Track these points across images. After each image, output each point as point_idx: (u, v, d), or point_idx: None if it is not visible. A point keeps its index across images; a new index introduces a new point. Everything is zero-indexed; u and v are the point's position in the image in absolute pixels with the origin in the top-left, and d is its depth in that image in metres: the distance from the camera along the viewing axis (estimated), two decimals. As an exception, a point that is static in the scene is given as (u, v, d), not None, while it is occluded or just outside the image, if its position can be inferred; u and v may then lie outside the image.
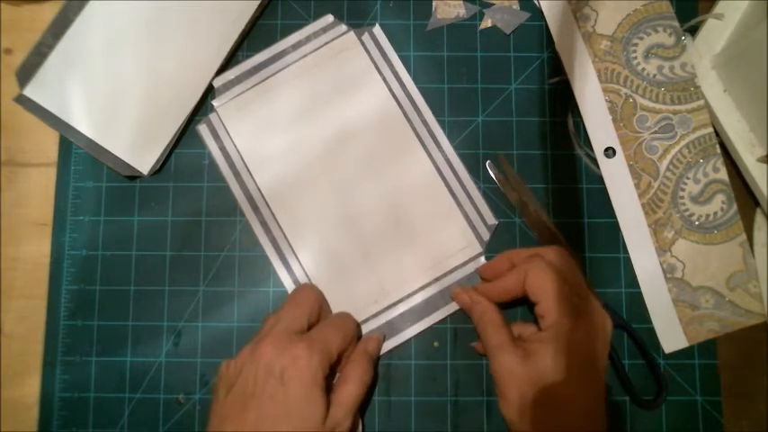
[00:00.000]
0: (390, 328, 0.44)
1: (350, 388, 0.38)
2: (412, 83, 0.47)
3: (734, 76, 0.45)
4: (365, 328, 0.44)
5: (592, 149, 0.46)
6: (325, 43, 0.47)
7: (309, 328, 0.40)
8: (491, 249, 0.45)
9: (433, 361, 0.44)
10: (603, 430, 0.35)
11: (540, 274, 0.37)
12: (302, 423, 0.35)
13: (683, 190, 0.45)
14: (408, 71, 0.47)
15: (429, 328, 0.45)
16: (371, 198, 0.45)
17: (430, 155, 0.46)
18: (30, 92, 0.44)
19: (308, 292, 0.42)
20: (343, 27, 0.47)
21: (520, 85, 0.47)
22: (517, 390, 0.35)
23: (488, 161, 0.46)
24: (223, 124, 0.46)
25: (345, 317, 0.43)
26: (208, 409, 0.44)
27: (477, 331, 0.40)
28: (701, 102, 0.45)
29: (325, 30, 0.47)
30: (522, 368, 0.36)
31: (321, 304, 0.42)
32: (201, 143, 0.47)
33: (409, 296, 0.45)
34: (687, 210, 0.44)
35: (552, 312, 0.36)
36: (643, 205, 0.45)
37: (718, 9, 0.46)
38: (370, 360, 0.41)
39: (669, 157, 0.45)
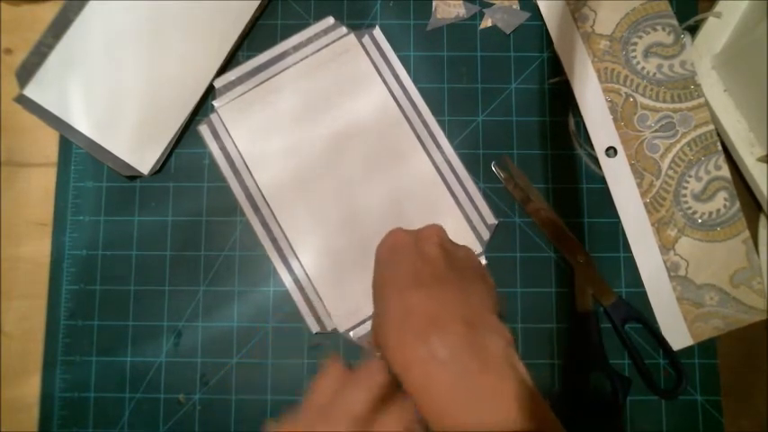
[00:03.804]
0: (391, 328, 0.44)
1: None
2: (412, 84, 0.47)
3: (734, 76, 0.45)
4: (365, 328, 0.44)
5: (592, 149, 0.46)
6: (326, 45, 0.47)
7: None
8: (491, 249, 0.45)
9: (434, 361, 0.44)
10: None
11: None
12: None
13: (686, 188, 0.45)
14: (408, 71, 0.47)
15: (429, 327, 0.44)
16: (372, 198, 0.45)
17: (430, 155, 0.46)
18: (30, 92, 0.44)
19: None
20: (344, 29, 0.47)
21: (520, 85, 0.47)
22: None
23: (493, 162, 0.46)
24: (224, 125, 0.46)
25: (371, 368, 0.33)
26: (208, 409, 0.44)
27: None
28: (702, 99, 0.45)
29: (325, 32, 0.47)
30: None
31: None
32: (202, 143, 0.47)
33: (409, 296, 0.44)
34: (690, 207, 0.45)
35: None
36: (645, 204, 0.45)
37: (717, 9, 0.46)
38: None
39: (671, 155, 0.45)
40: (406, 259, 0.32)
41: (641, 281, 0.45)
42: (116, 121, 0.45)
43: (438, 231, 0.33)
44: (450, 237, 0.44)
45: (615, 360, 0.44)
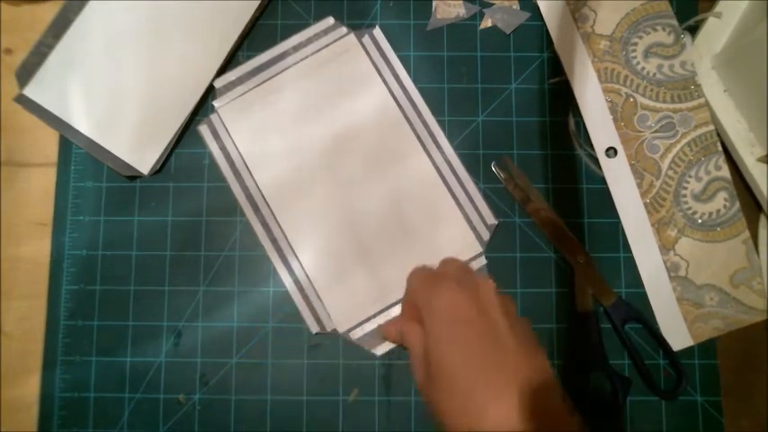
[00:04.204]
0: (391, 328, 0.44)
1: None
2: (412, 84, 0.47)
3: (734, 76, 0.45)
4: (365, 328, 0.44)
5: (592, 149, 0.46)
6: (326, 45, 0.47)
7: None
8: (491, 249, 0.45)
9: (434, 361, 0.44)
10: None
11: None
12: None
13: (686, 188, 0.45)
14: (408, 71, 0.47)
15: (429, 327, 0.44)
16: (372, 198, 0.45)
17: (430, 155, 0.46)
18: (30, 92, 0.44)
19: None
20: (344, 29, 0.47)
21: (520, 85, 0.47)
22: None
23: (493, 162, 0.46)
24: (224, 125, 0.46)
25: None
26: (208, 409, 0.44)
27: None
28: (702, 99, 0.45)
29: (326, 32, 0.47)
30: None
31: None
32: (202, 143, 0.47)
33: (410, 296, 0.45)
34: (690, 208, 0.45)
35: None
36: (645, 204, 0.45)
37: (717, 9, 0.46)
38: None
39: (671, 155, 0.45)
40: (483, 337, 0.32)
41: (641, 281, 0.45)
42: (116, 121, 0.45)
43: (494, 289, 0.35)
44: (451, 237, 0.45)
45: (615, 360, 0.44)
